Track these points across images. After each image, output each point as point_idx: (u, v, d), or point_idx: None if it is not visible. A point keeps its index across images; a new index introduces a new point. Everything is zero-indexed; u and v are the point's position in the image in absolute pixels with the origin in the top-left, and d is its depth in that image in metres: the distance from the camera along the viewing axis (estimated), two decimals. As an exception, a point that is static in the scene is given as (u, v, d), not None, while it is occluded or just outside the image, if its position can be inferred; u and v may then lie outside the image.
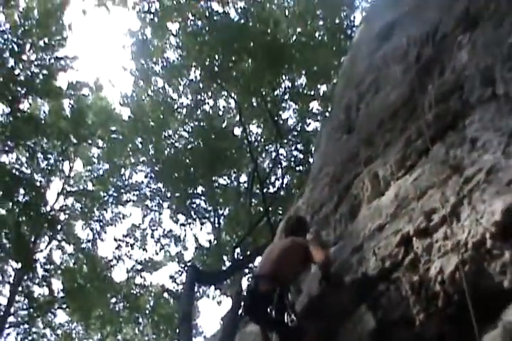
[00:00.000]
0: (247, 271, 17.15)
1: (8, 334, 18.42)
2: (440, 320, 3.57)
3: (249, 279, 5.64)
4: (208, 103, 18.82)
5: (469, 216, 3.60)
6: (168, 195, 19.77)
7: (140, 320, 20.87)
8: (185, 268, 18.24)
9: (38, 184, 18.63)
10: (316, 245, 5.03)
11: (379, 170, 4.99)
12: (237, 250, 17.49)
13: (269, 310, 4.58)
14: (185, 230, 19.97)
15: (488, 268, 3.41)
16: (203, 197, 20.04)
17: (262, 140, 19.65)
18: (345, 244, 4.90)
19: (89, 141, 20.15)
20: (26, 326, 19.43)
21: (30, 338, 19.61)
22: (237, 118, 17.96)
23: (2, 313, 17.50)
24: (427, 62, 5.70)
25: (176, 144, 19.42)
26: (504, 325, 3.28)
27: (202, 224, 19.73)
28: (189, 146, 18.85)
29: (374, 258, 4.05)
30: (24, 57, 17.51)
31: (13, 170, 17.35)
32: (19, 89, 16.81)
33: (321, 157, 8.42)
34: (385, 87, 6.53)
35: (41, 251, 19.44)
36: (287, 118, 19.13)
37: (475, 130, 4.22)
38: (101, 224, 20.62)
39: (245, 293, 5.55)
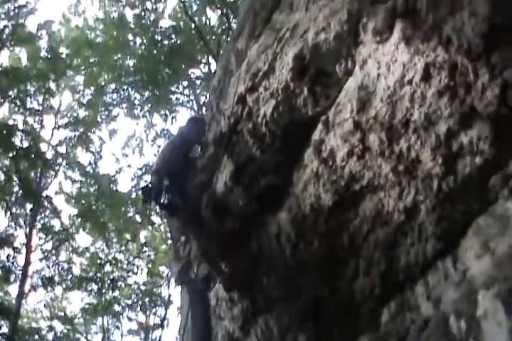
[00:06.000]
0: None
1: (41, 269, 20.08)
2: (273, 153, 4.56)
3: None
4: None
5: (279, 67, 4.43)
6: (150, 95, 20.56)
7: (154, 220, 22.34)
8: None
9: (33, 125, 19.70)
10: None
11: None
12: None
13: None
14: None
15: (295, 104, 4.30)
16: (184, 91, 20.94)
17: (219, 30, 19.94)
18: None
19: (70, 72, 20.67)
20: (54, 258, 20.88)
21: (59, 267, 21.13)
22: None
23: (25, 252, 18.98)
24: None
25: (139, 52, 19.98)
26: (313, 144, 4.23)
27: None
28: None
29: (223, 118, 4.96)
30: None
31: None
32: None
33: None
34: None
35: (47, 188, 20.48)
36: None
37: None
38: (99, 143, 21.78)
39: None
